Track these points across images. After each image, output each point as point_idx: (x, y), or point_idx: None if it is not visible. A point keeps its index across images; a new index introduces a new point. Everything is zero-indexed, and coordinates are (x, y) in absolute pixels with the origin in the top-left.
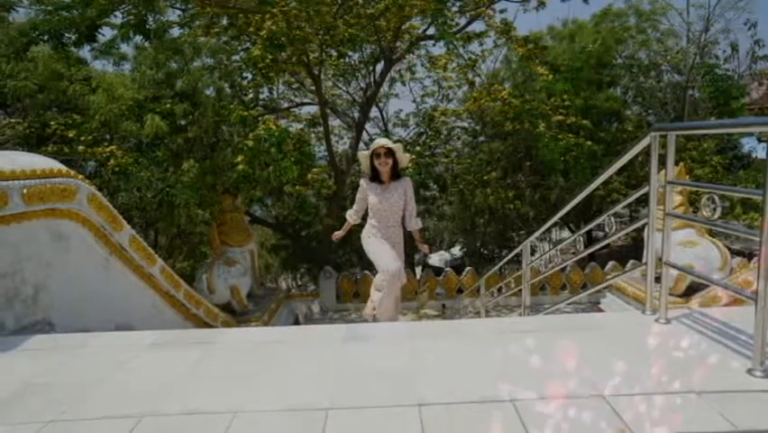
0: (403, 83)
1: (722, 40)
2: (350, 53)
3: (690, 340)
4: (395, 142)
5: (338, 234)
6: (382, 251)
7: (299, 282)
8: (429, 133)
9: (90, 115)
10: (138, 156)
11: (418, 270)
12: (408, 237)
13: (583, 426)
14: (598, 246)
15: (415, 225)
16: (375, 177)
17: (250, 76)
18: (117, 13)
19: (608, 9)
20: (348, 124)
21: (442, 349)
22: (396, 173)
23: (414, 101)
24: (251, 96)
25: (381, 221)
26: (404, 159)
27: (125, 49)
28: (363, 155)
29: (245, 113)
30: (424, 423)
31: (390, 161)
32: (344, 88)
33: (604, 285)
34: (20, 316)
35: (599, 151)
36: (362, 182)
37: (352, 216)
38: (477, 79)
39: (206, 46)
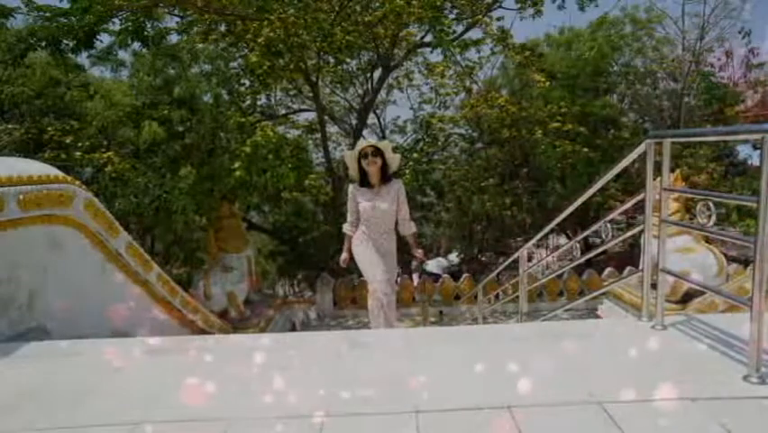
0: (400, 90)
1: (717, 48)
2: (347, 60)
3: (686, 346)
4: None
5: (345, 258)
6: (371, 263)
7: (296, 289)
8: (426, 139)
9: (87, 122)
10: (135, 162)
11: (415, 276)
12: (403, 244)
13: None
14: (594, 253)
15: (408, 229)
16: (364, 181)
17: (247, 82)
18: (115, 19)
19: (605, 17)
20: (345, 131)
21: (438, 356)
22: (386, 175)
23: (411, 108)
24: (248, 102)
25: (372, 228)
26: (394, 160)
27: (123, 55)
28: (350, 156)
29: (243, 119)
30: (420, 429)
31: (379, 162)
32: (342, 95)
33: (601, 292)
34: (15, 322)
35: (596, 157)
36: (351, 189)
37: (349, 229)
38: (474, 86)
39: (204, 52)
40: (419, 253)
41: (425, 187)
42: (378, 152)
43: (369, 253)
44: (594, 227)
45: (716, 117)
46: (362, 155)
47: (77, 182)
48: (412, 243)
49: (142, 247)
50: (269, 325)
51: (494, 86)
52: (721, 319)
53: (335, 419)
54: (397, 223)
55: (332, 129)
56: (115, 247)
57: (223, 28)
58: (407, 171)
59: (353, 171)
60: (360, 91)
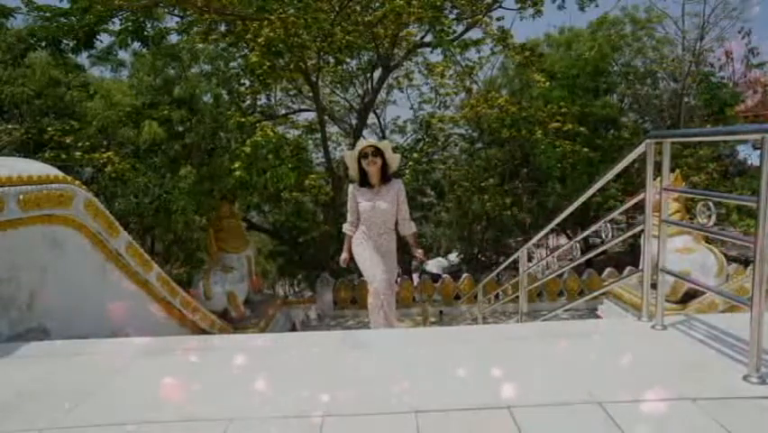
0: (400, 90)
1: (717, 48)
2: (347, 60)
3: (686, 346)
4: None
5: (345, 258)
6: (372, 263)
7: (296, 289)
8: (426, 139)
9: (87, 122)
10: (135, 162)
11: (415, 276)
12: (404, 244)
13: None
14: (594, 253)
15: (409, 229)
16: (363, 181)
17: (247, 82)
18: (115, 19)
19: (605, 17)
20: (345, 131)
21: (438, 356)
22: (385, 175)
23: (411, 108)
24: (248, 102)
25: (372, 228)
26: (394, 160)
27: (123, 55)
28: (350, 156)
29: (243, 119)
30: (420, 430)
31: (379, 161)
32: (342, 95)
33: (601, 292)
34: (15, 322)
35: (596, 157)
36: (351, 189)
37: (349, 229)
38: (474, 86)
39: (204, 53)
40: (419, 253)
41: (425, 187)
42: (378, 151)
43: (369, 253)
44: (594, 227)
45: (716, 117)
46: (362, 155)
47: (77, 182)
48: (412, 243)
49: (142, 247)
50: (270, 325)
51: (494, 86)
52: (721, 319)
53: (335, 418)
54: (397, 223)
55: (332, 129)
56: (115, 247)
57: (223, 28)
58: (407, 171)
59: (353, 171)
60: (360, 91)
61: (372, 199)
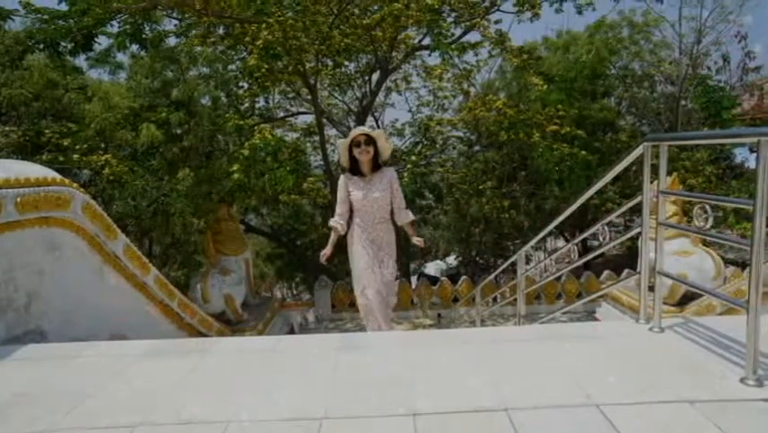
0: (399, 93)
1: (714, 51)
2: (346, 63)
3: (683, 349)
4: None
5: (326, 253)
6: (365, 267)
7: (294, 291)
8: (425, 142)
9: (85, 124)
10: (133, 165)
11: (414, 279)
12: (402, 241)
13: None
14: (592, 255)
15: (405, 217)
16: (355, 170)
17: (246, 85)
18: (113, 22)
19: (602, 21)
20: (344, 134)
21: (436, 359)
22: (376, 164)
23: (409, 110)
24: (246, 105)
25: (366, 219)
26: (386, 148)
27: (121, 58)
28: (342, 145)
29: (241, 122)
30: (418, 432)
31: (371, 151)
32: (340, 98)
33: (599, 294)
34: (12, 325)
35: (594, 160)
36: (342, 178)
37: (337, 222)
38: (472, 89)
39: (203, 55)
40: (419, 241)
41: (423, 189)
42: (370, 140)
43: (362, 254)
44: (592, 230)
45: (713, 120)
46: (355, 144)
47: (75, 185)
48: (410, 232)
49: (140, 250)
50: (267, 327)
51: (492, 89)
52: (718, 322)
53: (333, 421)
54: (393, 213)
55: (330, 132)
56: (113, 250)
57: (221, 31)
58: (406, 174)
59: (344, 160)
60: (358, 94)
61: (364, 189)
